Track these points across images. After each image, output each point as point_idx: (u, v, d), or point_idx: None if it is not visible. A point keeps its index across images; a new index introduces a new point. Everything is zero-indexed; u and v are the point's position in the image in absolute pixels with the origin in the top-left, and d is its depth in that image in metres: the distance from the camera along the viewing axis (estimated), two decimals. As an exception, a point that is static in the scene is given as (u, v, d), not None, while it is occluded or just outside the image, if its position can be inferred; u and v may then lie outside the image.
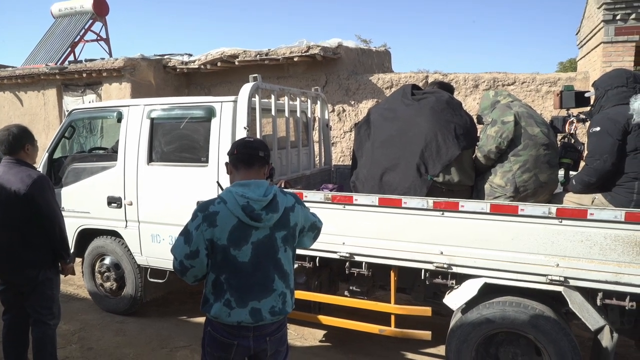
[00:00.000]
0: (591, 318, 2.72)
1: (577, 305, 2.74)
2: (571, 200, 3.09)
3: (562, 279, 2.75)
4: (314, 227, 2.18)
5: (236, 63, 7.63)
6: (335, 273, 3.82)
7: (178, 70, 8.50)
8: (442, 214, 2.99)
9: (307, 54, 6.96)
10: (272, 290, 1.96)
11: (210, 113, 3.79)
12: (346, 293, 3.66)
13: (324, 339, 4.03)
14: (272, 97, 4.01)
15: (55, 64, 10.01)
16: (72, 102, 9.32)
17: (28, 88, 9.78)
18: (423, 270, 3.13)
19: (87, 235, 4.44)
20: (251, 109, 3.70)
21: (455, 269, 3.02)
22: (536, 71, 6.85)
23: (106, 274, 4.39)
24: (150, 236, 4.05)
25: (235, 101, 3.72)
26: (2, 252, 2.83)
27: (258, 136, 3.73)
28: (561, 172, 3.34)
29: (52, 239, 2.88)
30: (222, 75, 8.33)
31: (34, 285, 2.89)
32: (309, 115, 4.83)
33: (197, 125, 3.87)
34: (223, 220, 1.87)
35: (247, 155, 2.00)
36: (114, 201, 4.16)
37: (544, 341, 2.81)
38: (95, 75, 8.55)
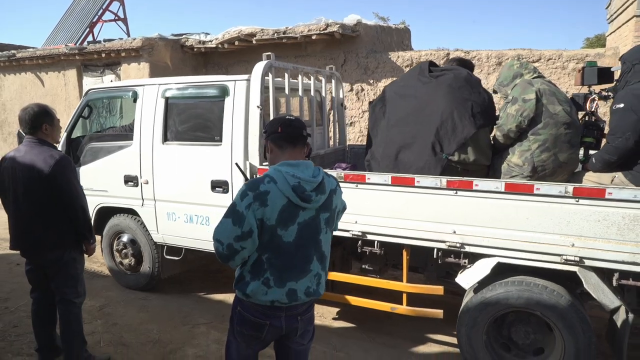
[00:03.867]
0: (606, 298, 2.68)
1: (592, 285, 2.71)
2: (590, 179, 3.02)
3: (577, 259, 2.71)
4: (344, 210, 2.20)
5: (254, 42, 7.52)
6: (349, 252, 3.82)
7: (195, 49, 8.43)
8: (456, 193, 2.96)
9: (326, 32, 6.83)
10: (309, 271, 1.96)
11: (223, 92, 3.80)
12: (359, 271, 3.68)
13: (337, 316, 4.09)
14: (286, 75, 3.99)
15: (75, 44, 10.14)
16: (91, 82, 9.37)
17: (49, 69, 9.92)
18: (435, 250, 3.12)
19: (105, 214, 4.56)
20: (264, 88, 3.70)
21: (468, 248, 3.00)
22: (562, 47, 6.69)
23: (124, 251, 4.51)
24: (166, 214, 4.13)
25: (248, 80, 3.71)
26: (26, 233, 2.86)
27: (271, 115, 3.74)
28: (581, 151, 3.25)
29: (75, 219, 2.88)
30: (239, 54, 8.21)
31: (58, 265, 2.91)
32: (324, 94, 4.78)
33: (211, 105, 3.89)
34: (273, 200, 1.83)
35: (293, 134, 1.96)
36: (130, 180, 4.24)
37: (557, 321, 2.79)
38: (114, 55, 8.57)
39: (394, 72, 6.92)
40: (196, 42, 8.37)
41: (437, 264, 3.26)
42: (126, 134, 4.37)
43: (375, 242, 3.30)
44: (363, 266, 3.62)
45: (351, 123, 7.23)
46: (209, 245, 3.46)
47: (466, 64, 3.63)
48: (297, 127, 1.97)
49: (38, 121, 2.90)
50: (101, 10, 12.33)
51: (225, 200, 3.70)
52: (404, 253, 3.27)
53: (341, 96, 5.00)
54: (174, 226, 4.11)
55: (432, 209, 3.05)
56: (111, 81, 8.69)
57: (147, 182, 4.14)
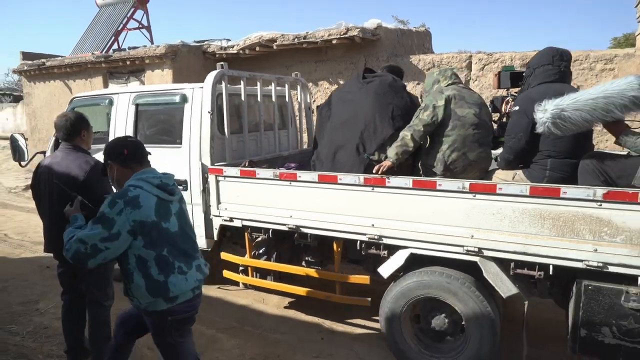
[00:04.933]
0: (504, 286, 2.89)
1: (491, 274, 2.93)
2: (499, 176, 3.23)
3: (476, 249, 2.95)
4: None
5: (274, 47, 7.64)
6: (298, 246, 4.07)
7: (217, 55, 8.55)
8: (372, 189, 3.24)
9: (346, 36, 6.89)
10: (197, 250, 2.39)
11: (184, 99, 4.19)
12: (303, 263, 3.99)
13: (288, 305, 4.36)
14: (242, 83, 4.36)
15: (101, 52, 10.40)
16: (117, 89, 9.93)
17: (76, 76, 10.30)
18: (358, 242, 3.40)
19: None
20: (220, 95, 4.09)
21: (385, 240, 3.28)
22: (589, 48, 6.25)
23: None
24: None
25: (202, 88, 4.09)
26: (60, 236, 3.00)
27: (225, 120, 4.11)
28: (499, 150, 3.45)
29: None
30: (260, 60, 8.32)
31: (89, 268, 3.07)
32: (288, 99, 5.14)
33: (174, 110, 4.28)
34: (145, 201, 2.14)
35: (141, 154, 2.35)
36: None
37: (462, 307, 3.03)
38: (138, 62, 8.82)
39: (415, 75, 6.92)
40: (218, 48, 8.54)
41: (368, 256, 3.50)
42: (103, 137, 4.74)
43: (309, 235, 3.61)
44: (306, 258, 3.92)
45: None
46: None
47: (395, 70, 3.90)
48: (140, 148, 2.36)
49: (77, 128, 3.00)
50: (126, 19, 12.66)
51: (185, 198, 4.03)
52: (335, 245, 3.56)
53: (308, 101, 5.33)
54: None
55: (353, 204, 3.34)
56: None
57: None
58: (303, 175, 3.52)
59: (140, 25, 13.38)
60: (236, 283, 4.39)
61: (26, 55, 11.98)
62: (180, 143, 4.18)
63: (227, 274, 4.15)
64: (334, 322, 3.97)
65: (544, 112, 2.69)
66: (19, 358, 3.38)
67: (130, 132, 4.45)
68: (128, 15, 12.59)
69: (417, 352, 3.26)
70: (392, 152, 3.25)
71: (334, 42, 7.09)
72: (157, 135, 4.46)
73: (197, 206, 4.12)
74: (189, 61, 8.57)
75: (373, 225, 3.28)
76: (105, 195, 2.82)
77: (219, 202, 3.97)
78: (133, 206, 2.11)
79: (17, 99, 20.36)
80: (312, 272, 3.76)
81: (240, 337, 3.78)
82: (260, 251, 3.98)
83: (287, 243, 4.05)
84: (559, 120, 2.65)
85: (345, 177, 3.33)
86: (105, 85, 9.72)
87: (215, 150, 4.02)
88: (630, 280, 2.61)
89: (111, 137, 4.59)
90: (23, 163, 4.26)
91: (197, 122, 4.08)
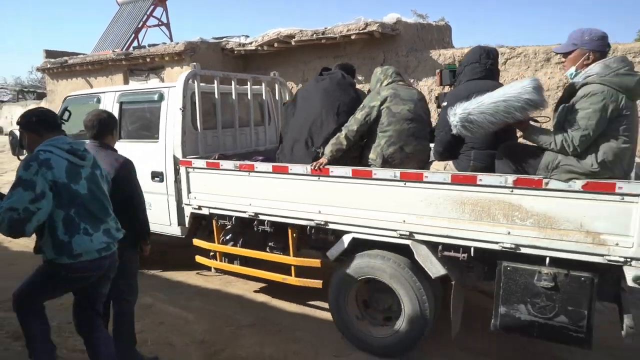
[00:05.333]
0: (434, 268, 3.13)
1: (422, 256, 3.17)
2: (435, 167, 3.46)
3: (408, 233, 3.19)
4: (109, 180, 2.82)
5: (293, 43, 7.61)
6: (264, 232, 4.25)
7: (236, 52, 8.60)
8: (319, 178, 3.51)
9: (365, 31, 6.82)
10: (109, 214, 2.63)
11: (161, 97, 4.53)
12: (267, 249, 4.22)
13: (307, 302, 4.36)
14: (215, 82, 4.66)
15: (121, 50, 10.56)
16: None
17: (98, 74, 10.41)
18: (308, 227, 3.68)
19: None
20: (193, 93, 4.41)
21: (331, 226, 3.54)
22: (615, 41, 6.30)
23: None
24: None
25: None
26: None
27: (198, 117, 4.43)
28: None
29: (136, 219, 2.99)
30: (279, 56, 8.29)
31: (117, 263, 2.93)
32: (265, 97, 5.42)
33: (152, 108, 4.62)
34: (57, 163, 2.34)
35: (49, 121, 2.53)
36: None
37: (397, 287, 3.28)
38: (158, 60, 8.91)
39: (435, 70, 6.60)
40: (236, 45, 8.54)
41: (330, 241, 3.73)
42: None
43: (266, 221, 3.90)
44: (269, 244, 4.18)
45: None
46: (156, 227, 4.38)
47: (346, 68, 4.12)
48: (49, 116, 2.55)
49: (109, 127, 3.06)
50: (146, 16, 12.95)
51: (161, 188, 4.47)
52: (290, 231, 3.84)
53: (287, 99, 5.59)
54: None
55: (302, 192, 3.62)
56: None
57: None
58: (259, 166, 3.82)
59: (160, 23, 13.69)
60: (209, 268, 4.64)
61: (49, 54, 12.31)
62: (158, 138, 4.53)
63: (198, 259, 4.48)
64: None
65: (454, 116, 2.90)
66: None
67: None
68: (148, 13, 12.88)
69: (360, 329, 3.53)
70: (327, 149, 3.51)
71: (352, 37, 7.02)
72: (138, 131, 4.81)
73: (172, 196, 4.47)
74: (208, 58, 8.53)
75: (320, 212, 3.55)
76: (134, 192, 2.98)
77: (189, 192, 4.32)
78: (47, 167, 2.29)
79: (40, 96, 20.85)
80: (270, 256, 4.05)
81: (260, 334, 3.79)
82: (227, 237, 4.30)
83: (252, 230, 4.28)
84: (467, 123, 2.85)
85: (295, 167, 3.62)
86: (126, 82, 9.82)
87: (187, 144, 4.34)
88: (542, 261, 2.81)
89: None
90: (22, 157, 4.56)
91: (171, 118, 4.44)
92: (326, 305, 3.88)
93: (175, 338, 3.71)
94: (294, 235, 3.84)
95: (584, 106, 2.61)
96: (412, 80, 7.00)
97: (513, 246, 2.85)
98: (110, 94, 4.99)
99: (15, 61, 78.37)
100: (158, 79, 9.21)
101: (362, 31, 6.85)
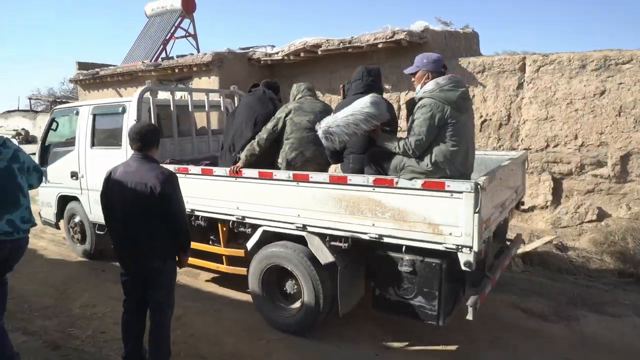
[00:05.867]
0: (324, 256, 3.61)
1: (314, 246, 3.67)
2: (331, 169, 4.04)
3: (302, 226, 3.70)
4: (35, 168, 3.31)
5: (319, 53, 7.57)
6: (207, 227, 4.72)
7: (262, 62, 8.59)
8: (235, 179, 4.08)
9: (392, 39, 6.79)
10: (19, 205, 3.04)
11: (123, 109, 5.17)
12: (210, 242, 4.74)
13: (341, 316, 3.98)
14: (171, 95, 5.29)
15: (150, 61, 10.59)
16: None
17: (128, 84, 10.49)
18: (230, 222, 4.23)
19: (64, 200, 6.09)
20: (155, 106, 5.10)
21: (247, 220, 4.10)
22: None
23: (75, 228, 6.06)
24: (94, 200, 5.48)
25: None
26: (134, 243, 2.96)
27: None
28: None
29: (177, 231, 3.02)
30: (305, 65, 8.28)
31: (159, 275, 3.01)
32: (223, 109, 6.07)
33: (117, 119, 5.26)
34: None
35: None
36: (74, 175, 5.74)
37: (298, 274, 3.78)
38: (186, 70, 8.90)
39: (464, 78, 6.46)
40: (262, 55, 8.53)
41: (242, 233, 4.22)
42: (73, 141, 5.83)
43: (200, 217, 4.48)
44: (211, 237, 4.73)
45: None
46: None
47: (269, 85, 4.65)
48: None
49: (155, 139, 3.09)
50: (174, 28, 12.98)
51: None
52: (219, 226, 4.42)
53: None
54: (98, 208, 5.24)
55: (226, 192, 4.19)
56: (181, 97, 9.23)
57: (83, 176, 5.66)
58: (192, 169, 4.43)
59: (187, 34, 13.71)
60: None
61: (81, 65, 12.53)
62: (121, 145, 5.15)
63: None
64: (390, 338, 3.86)
65: (319, 129, 3.44)
66: None
67: (89, 137, 5.52)
68: (175, 24, 12.97)
69: (272, 310, 4.06)
70: (243, 154, 4.09)
71: (379, 46, 6.98)
72: (107, 139, 5.48)
73: None
74: (235, 68, 8.61)
75: (238, 208, 4.11)
76: (178, 205, 3.02)
77: None
78: None
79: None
80: (205, 247, 4.62)
81: (295, 347, 3.73)
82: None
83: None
84: (328, 135, 3.37)
85: (218, 170, 4.21)
86: (155, 94, 10.14)
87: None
88: (410, 250, 3.24)
89: (78, 141, 5.67)
90: None
91: (121, 127, 5.11)
92: (363, 319, 4.06)
93: (207, 350, 3.68)
94: (224, 229, 4.42)
95: (417, 116, 3.16)
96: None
97: (377, 236, 3.34)
98: (85, 107, 5.72)
99: (48, 73, 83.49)
100: (186, 90, 9.69)
101: (389, 40, 6.83)
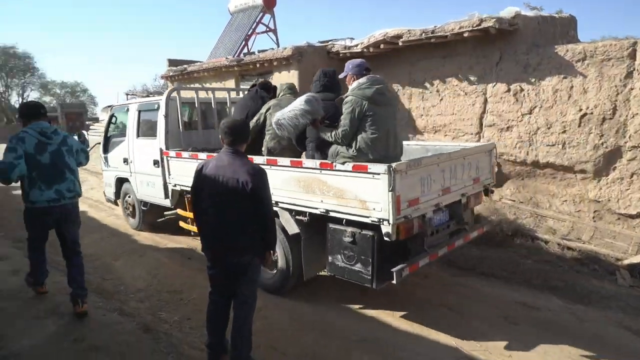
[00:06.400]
0: (291, 228, 4.28)
1: (285, 219, 4.36)
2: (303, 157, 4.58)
3: (275, 202, 4.23)
4: (83, 150, 4.18)
5: (400, 44, 7.36)
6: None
7: (341, 55, 8.49)
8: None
9: (479, 27, 6.32)
10: (65, 179, 3.86)
11: (158, 107, 6.20)
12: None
13: (421, 321, 4.19)
14: (195, 94, 6.31)
15: (233, 56, 10.99)
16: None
17: (212, 80, 10.82)
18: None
19: (120, 182, 7.34)
20: (180, 103, 6.14)
21: None
22: None
23: (128, 205, 7.36)
24: (140, 181, 6.74)
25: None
26: (225, 237, 2.99)
27: (180, 120, 6.10)
28: None
29: (265, 227, 3.04)
30: (384, 58, 8.12)
31: (246, 269, 3.06)
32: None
33: (154, 114, 6.28)
34: (28, 140, 3.70)
35: (30, 112, 3.90)
36: (125, 160, 6.96)
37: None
38: (267, 65, 9.08)
39: (561, 68, 6.07)
40: (341, 48, 8.48)
41: None
42: (125, 132, 7.00)
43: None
44: None
45: (508, 128, 6.70)
46: (153, 199, 6.41)
47: (264, 85, 5.35)
48: (31, 108, 3.94)
49: (245, 134, 3.17)
50: (255, 23, 13.71)
51: (158, 172, 6.16)
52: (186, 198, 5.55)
53: None
54: (142, 188, 6.71)
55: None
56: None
57: (131, 162, 6.81)
58: (200, 155, 5.27)
59: (268, 29, 14.31)
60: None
61: (171, 62, 13.33)
62: (156, 136, 6.18)
63: (181, 224, 6.13)
64: (471, 347, 3.77)
65: (273, 121, 4.18)
66: (169, 347, 3.54)
67: (135, 129, 6.69)
68: (257, 20, 13.58)
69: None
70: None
71: (465, 35, 6.55)
72: (147, 131, 6.53)
73: (163, 177, 6.11)
74: (314, 61, 8.60)
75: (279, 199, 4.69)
76: (266, 201, 3.05)
77: (169, 174, 5.97)
78: (22, 142, 3.70)
79: None
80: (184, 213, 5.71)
81: (373, 352, 3.65)
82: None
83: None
84: (278, 125, 4.11)
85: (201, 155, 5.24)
86: (237, 87, 10.06)
87: (170, 140, 5.98)
88: (349, 222, 3.83)
89: (127, 132, 6.83)
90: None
91: (161, 122, 6.07)
92: (442, 327, 4.00)
93: (286, 346, 3.70)
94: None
95: (343, 111, 3.88)
96: (532, 80, 6.32)
97: (325, 211, 3.97)
98: (134, 104, 6.91)
99: (142, 70, 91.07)
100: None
101: (475, 28, 6.35)
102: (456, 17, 6.82)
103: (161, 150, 6.03)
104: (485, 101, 7.00)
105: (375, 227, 3.62)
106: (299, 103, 4.03)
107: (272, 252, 3.23)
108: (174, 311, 4.32)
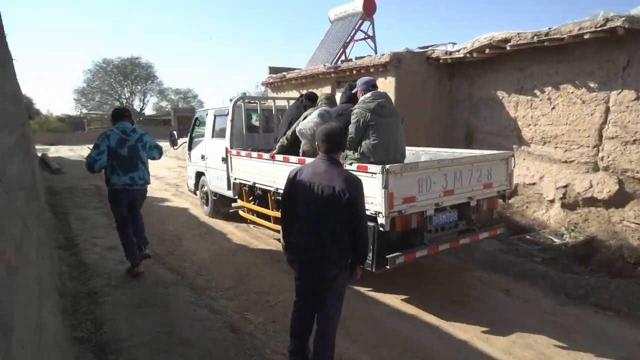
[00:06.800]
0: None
1: (271, 193, 6.00)
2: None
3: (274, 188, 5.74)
4: (156, 146, 5.18)
5: (508, 48, 6.97)
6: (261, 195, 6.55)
7: (441, 60, 8.33)
8: (273, 162, 5.73)
9: (604, 28, 5.77)
10: (138, 169, 4.85)
11: (227, 112, 7.27)
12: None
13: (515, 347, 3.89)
14: (258, 103, 7.74)
15: (331, 64, 11.11)
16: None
17: (309, 86, 10.92)
18: (271, 192, 6.05)
19: (199, 175, 8.68)
20: (245, 110, 7.40)
21: (279, 190, 5.46)
22: None
23: (203, 195, 8.70)
24: (212, 175, 8.03)
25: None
26: (316, 246, 2.90)
27: (244, 125, 7.33)
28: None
29: (358, 238, 2.91)
30: (489, 63, 7.83)
31: (334, 282, 2.95)
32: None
33: (225, 118, 7.36)
34: (112, 137, 4.75)
35: (117, 115, 4.99)
36: (203, 157, 8.24)
37: None
38: (363, 71, 9.00)
39: None
40: (442, 53, 8.27)
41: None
42: (203, 133, 8.33)
43: (257, 187, 6.33)
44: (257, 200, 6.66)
45: (634, 141, 6.08)
46: (220, 191, 7.64)
47: (309, 96, 6.16)
48: (119, 111, 5.05)
49: (341, 142, 3.09)
50: (354, 31, 13.67)
51: (224, 167, 7.23)
52: (268, 194, 6.17)
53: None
54: (213, 181, 7.98)
55: (267, 171, 5.89)
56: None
57: (207, 158, 8.07)
58: (252, 154, 6.34)
59: (366, 36, 14.28)
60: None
61: (272, 70, 13.66)
62: (225, 137, 7.30)
63: (241, 213, 7.14)
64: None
65: (296, 130, 5.15)
66: (252, 349, 3.55)
67: (210, 131, 7.95)
68: (356, 27, 13.60)
69: None
70: (277, 145, 5.70)
71: (585, 36, 6.01)
72: (220, 132, 7.67)
73: (226, 172, 7.22)
74: (412, 68, 8.53)
75: (274, 182, 5.71)
76: (361, 211, 2.94)
77: (231, 169, 7.06)
78: (107, 138, 4.76)
79: None
80: (259, 209, 6.50)
81: None
82: (250, 198, 6.85)
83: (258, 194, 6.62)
84: (300, 134, 5.09)
85: (264, 155, 5.95)
86: (333, 93, 10.17)
87: (234, 141, 7.14)
88: None
89: (205, 133, 8.13)
90: (175, 147, 8.78)
91: (229, 125, 7.20)
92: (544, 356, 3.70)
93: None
94: (271, 197, 6.09)
95: (351, 120, 4.58)
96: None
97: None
98: (211, 109, 8.14)
99: (245, 77, 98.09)
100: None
101: (599, 28, 5.79)
102: (573, 18, 6.28)
103: (226, 148, 7.14)
104: (607, 110, 6.26)
105: (374, 219, 4.10)
106: (314, 116, 4.92)
107: (363, 265, 3.10)
108: (260, 312, 4.35)
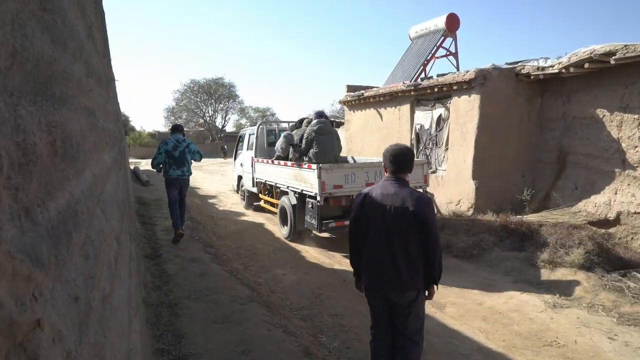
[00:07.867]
0: (293, 200, 7.84)
1: (290, 196, 7.92)
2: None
3: (286, 187, 8.16)
4: (198, 152, 7.11)
5: (612, 62, 6.35)
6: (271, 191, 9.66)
7: (532, 77, 7.86)
8: (288, 167, 8.27)
9: None
10: (185, 165, 6.90)
11: (255, 133, 10.52)
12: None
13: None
14: (276, 127, 11.23)
15: (410, 81, 10.76)
16: (421, 115, 9.87)
17: (387, 105, 10.97)
18: (281, 189, 8.66)
19: (239, 178, 12.08)
20: (267, 132, 10.85)
21: (279, 186, 8.63)
22: None
23: (242, 193, 11.89)
24: (246, 177, 11.15)
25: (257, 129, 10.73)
26: (389, 268, 2.81)
27: (265, 141, 10.64)
28: None
29: (433, 256, 2.81)
30: (587, 79, 7.24)
31: (411, 306, 2.83)
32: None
33: (254, 137, 10.61)
34: (169, 143, 6.87)
35: (173, 130, 7.22)
36: (241, 165, 11.46)
37: (287, 209, 8.07)
38: (445, 89, 8.73)
39: None
40: (533, 69, 7.79)
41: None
42: (242, 147, 11.67)
43: (270, 186, 9.35)
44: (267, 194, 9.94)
45: None
46: (250, 188, 10.86)
47: (318, 113, 8.19)
48: (176, 126, 7.38)
49: (410, 163, 2.93)
50: (435, 48, 13.28)
51: (251, 170, 10.42)
52: (274, 190, 9.16)
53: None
54: (247, 181, 11.08)
55: (275, 172, 8.86)
56: (439, 115, 9.53)
57: (243, 165, 11.32)
58: (268, 161, 9.09)
59: (448, 53, 13.93)
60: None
61: (350, 88, 13.46)
62: (253, 149, 10.47)
63: (262, 204, 10.15)
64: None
65: (275, 147, 8.86)
66: None
67: (247, 145, 11.23)
68: (437, 44, 13.23)
69: (281, 228, 8.68)
70: (290, 153, 8.48)
71: None
72: (251, 146, 10.74)
73: (251, 174, 10.44)
74: (499, 85, 8.09)
75: (287, 181, 8.16)
76: (435, 232, 2.81)
77: (255, 172, 10.09)
78: (165, 144, 6.86)
79: (338, 125, 24.37)
80: (270, 199, 9.42)
81: None
82: (266, 192, 9.90)
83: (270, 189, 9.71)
84: (277, 149, 8.59)
85: (281, 162, 8.48)
86: (412, 112, 10.19)
87: (257, 152, 10.30)
88: (310, 197, 7.21)
89: (243, 147, 11.53)
90: (225, 158, 14.80)
91: (253, 141, 10.52)
92: None
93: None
94: (277, 192, 8.86)
95: (303, 138, 7.76)
96: None
97: (301, 190, 7.41)
98: (249, 129, 11.53)
99: (321, 95, 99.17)
100: (444, 108, 9.17)
101: None
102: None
103: (252, 157, 10.33)
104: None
105: (315, 197, 6.81)
106: (282, 139, 8.59)
107: (437, 286, 2.97)
108: (334, 337, 4.22)
